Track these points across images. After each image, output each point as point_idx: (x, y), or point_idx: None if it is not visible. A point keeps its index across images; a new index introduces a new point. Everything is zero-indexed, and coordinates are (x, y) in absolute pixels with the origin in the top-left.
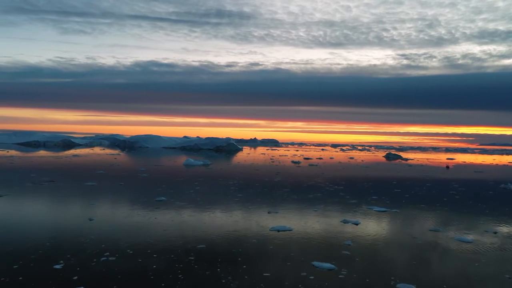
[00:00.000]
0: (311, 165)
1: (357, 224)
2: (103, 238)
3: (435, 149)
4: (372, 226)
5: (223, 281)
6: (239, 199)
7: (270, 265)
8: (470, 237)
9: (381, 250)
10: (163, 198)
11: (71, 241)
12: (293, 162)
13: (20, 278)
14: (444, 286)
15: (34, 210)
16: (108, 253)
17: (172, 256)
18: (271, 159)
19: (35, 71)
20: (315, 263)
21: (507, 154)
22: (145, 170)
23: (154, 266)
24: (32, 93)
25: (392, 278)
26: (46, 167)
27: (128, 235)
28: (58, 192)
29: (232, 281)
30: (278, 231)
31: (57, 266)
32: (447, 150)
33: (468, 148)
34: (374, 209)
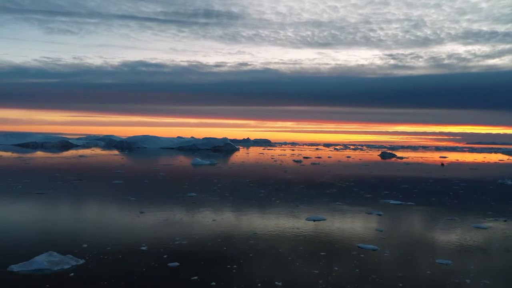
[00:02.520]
0: (313, 163)
1: (380, 215)
2: (165, 226)
3: (425, 148)
4: (395, 216)
5: (290, 258)
6: (264, 195)
7: (322, 246)
8: (485, 224)
9: (411, 234)
10: (194, 194)
11: (140, 229)
12: (295, 161)
13: (120, 256)
14: (475, 261)
15: (85, 205)
16: (178, 238)
17: (234, 240)
18: (272, 158)
19: (20, 71)
20: (360, 244)
21: (495, 152)
22: (160, 169)
23: (225, 248)
24: (17, 94)
25: (430, 255)
26: (63, 167)
27: (184, 224)
28: (94, 190)
29: (297, 259)
30: (314, 220)
31: (143, 248)
32: (437, 148)
33: (457, 147)
34: (390, 202)
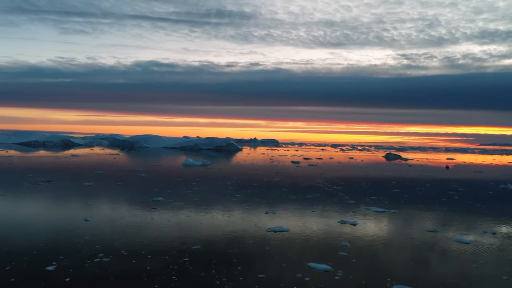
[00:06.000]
0: (310, 165)
1: (354, 225)
2: (98, 239)
3: (435, 149)
4: (370, 227)
5: (218, 282)
6: (237, 200)
7: (266, 266)
8: (468, 238)
9: (378, 251)
10: (160, 198)
11: (65, 242)
12: (292, 162)
13: (12, 279)
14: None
15: (29, 210)
16: (102, 254)
17: (167, 257)
18: (270, 159)
19: (35, 71)
20: (311, 264)
21: (507, 154)
22: (144, 170)
23: (148, 267)
24: (32, 93)
25: (389, 279)
26: (44, 167)
27: (124, 235)
28: (55, 193)
29: (227, 283)
30: (275, 231)
31: (50, 268)
32: (447, 150)
33: (468, 148)
34: (372, 210)
